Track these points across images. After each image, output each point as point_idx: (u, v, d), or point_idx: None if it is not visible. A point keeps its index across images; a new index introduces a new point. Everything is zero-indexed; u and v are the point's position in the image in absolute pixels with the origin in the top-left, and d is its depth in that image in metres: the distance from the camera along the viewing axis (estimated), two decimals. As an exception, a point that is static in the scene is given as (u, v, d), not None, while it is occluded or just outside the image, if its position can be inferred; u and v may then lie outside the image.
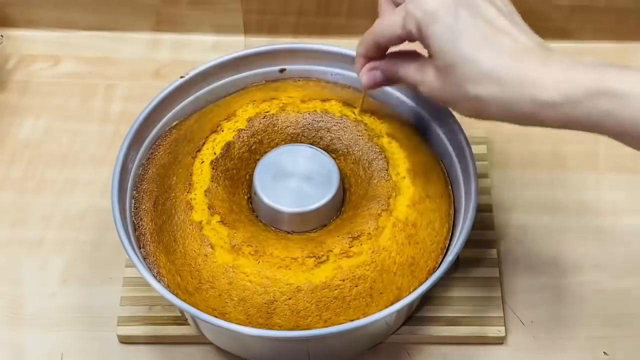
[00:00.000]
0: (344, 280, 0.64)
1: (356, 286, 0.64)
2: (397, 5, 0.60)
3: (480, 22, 0.55)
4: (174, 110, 0.75)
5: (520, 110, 0.54)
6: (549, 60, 0.53)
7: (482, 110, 0.56)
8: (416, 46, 0.59)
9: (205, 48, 0.93)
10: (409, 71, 0.60)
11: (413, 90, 0.65)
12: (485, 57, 0.54)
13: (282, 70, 0.77)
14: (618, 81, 0.51)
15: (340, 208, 0.69)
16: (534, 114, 0.54)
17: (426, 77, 0.58)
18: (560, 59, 0.54)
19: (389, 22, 0.59)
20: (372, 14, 0.90)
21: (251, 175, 0.69)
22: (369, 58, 0.64)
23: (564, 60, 0.53)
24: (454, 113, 0.71)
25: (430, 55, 0.57)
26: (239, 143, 0.71)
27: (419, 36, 0.57)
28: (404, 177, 0.69)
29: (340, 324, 0.63)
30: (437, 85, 0.57)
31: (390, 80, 0.64)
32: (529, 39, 0.56)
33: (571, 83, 0.52)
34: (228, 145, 0.70)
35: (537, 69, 0.53)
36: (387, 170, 0.69)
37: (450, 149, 0.72)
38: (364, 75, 0.64)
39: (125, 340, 0.72)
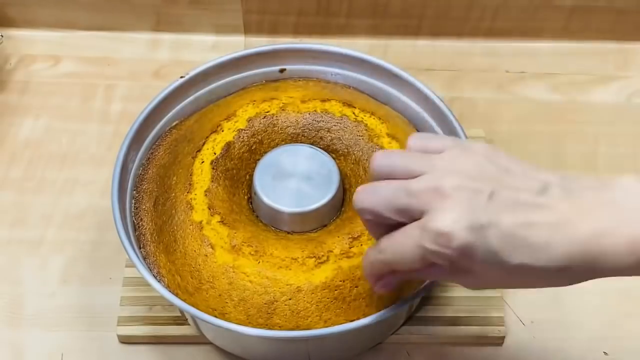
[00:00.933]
0: (344, 281, 0.64)
1: (356, 287, 0.64)
2: (384, 226, 0.53)
3: (506, 219, 0.49)
4: (174, 110, 0.75)
5: (592, 277, 0.51)
6: (601, 216, 0.48)
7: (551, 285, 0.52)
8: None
9: (205, 48, 0.93)
10: (439, 276, 0.54)
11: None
12: (538, 256, 0.48)
13: (282, 70, 0.77)
14: None
15: (340, 208, 0.69)
16: (609, 276, 0.50)
17: (468, 281, 0.52)
18: (611, 208, 0.48)
19: (402, 254, 0.51)
20: (372, 14, 0.91)
21: (251, 175, 0.69)
22: (382, 277, 0.56)
23: (618, 210, 0.48)
24: (454, 115, 0.71)
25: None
26: (239, 143, 0.71)
27: (452, 267, 0.50)
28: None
29: (341, 324, 0.63)
30: (488, 284, 0.53)
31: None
32: (558, 195, 0.50)
33: None
34: (228, 145, 0.70)
35: (597, 234, 0.48)
36: None
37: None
38: (381, 289, 0.57)
39: (125, 340, 0.72)
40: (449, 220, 0.48)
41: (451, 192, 0.49)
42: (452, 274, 0.52)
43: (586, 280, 0.51)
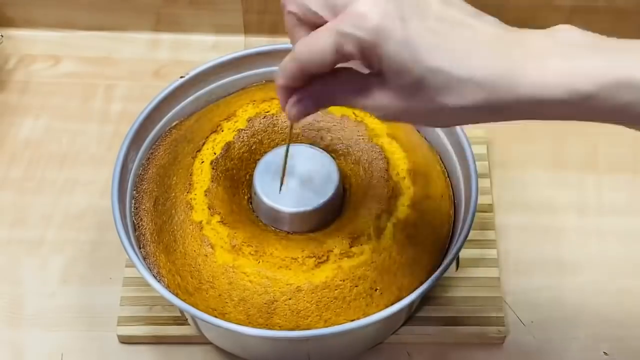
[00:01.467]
0: (344, 281, 0.64)
1: (356, 286, 0.64)
2: (311, 25, 0.50)
3: (432, 23, 0.46)
4: (174, 110, 0.75)
5: (517, 111, 0.47)
6: (533, 47, 0.46)
7: (468, 119, 0.49)
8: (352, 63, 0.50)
9: (205, 48, 0.93)
10: (353, 97, 0.50)
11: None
12: (457, 63, 0.46)
13: (282, 70, 0.77)
14: (631, 68, 0.44)
15: (340, 208, 0.69)
16: (534, 112, 0.47)
17: (383, 101, 0.49)
18: (544, 42, 0.46)
19: (316, 46, 0.48)
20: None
21: (251, 175, 0.69)
22: (293, 88, 0.52)
23: (551, 44, 0.46)
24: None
25: (379, 74, 0.48)
26: (239, 143, 0.71)
27: (364, 57, 0.47)
28: (404, 177, 0.69)
29: (341, 324, 0.63)
30: (401, 107, 0.49)
31: (326, 106, 0.53)
32: (491, 24, 0.48)
33: (577, 76, 0.45)
34: (228, 145, 0.70)
35: (526, 61, 0.46)
36: (387, 170, 0.69)
37: (451, 149, 0.72)
38: (293, 108, 0.52)
39: (126, 340, 0.72)
40: (370, 3, 0.46)
41: None
42: (364, 84, 0.49)
43: (504, 114, 0.48)
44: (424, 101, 0.48)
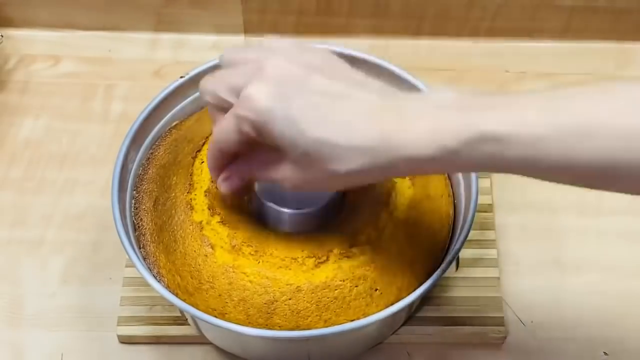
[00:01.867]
0: (344, 281, 0.64)
1: (356, 286, 0.64)
2: (227, 110, 0.56)
3: (314, 98, 0.52)
4: (174, 110, 0.74)
5: (399, 171, 0.52)
6: (407, 111, 0.51)
7: (361, 182, 0.54)
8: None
9: (205, 48, 0.93)
10: (266, 172, 0.57)
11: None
12: (338, 133, 0.51)
13: (282, 70, 0.77)
14: (491, 124, 0.48)
15: (340, 208, 0.69)
16: (414, 170, 0.52)
17: (286, 173, 0.55)
18: (417, 105, 0.51)
19: (223, 130, 0.56)
20: (372, 14, 0.91)
21: (251, 176, 0.69)
22: (221, 168, 0.60)
23: (422, 107, 0.50)
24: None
25: (278, 150, 0.54)
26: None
27: (260, 137, 0.53)
28: (404, 178, 0.69)
29: (341, 324, 0.63)
30: (301, 178, 0.54)
31: (250, 180, 0.61)
32: (370, 92, 0.52)
33: (443, 133, 0.49)
34: (228, 146, 0.70)
35: (400, 125, 0.50)
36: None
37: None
38: (222, 185, 0.61)
39: (126, 340, 0.72)
40: (257, 88, 0.52)
41: (270, 70, 0.53)
42: (271, 159, 0.56)
43: (395, 171, 0.53)
44: (319, 170, 0.53)
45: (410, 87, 0.74)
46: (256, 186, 0.67)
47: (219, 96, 0.56)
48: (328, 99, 0.52)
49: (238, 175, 0.60)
